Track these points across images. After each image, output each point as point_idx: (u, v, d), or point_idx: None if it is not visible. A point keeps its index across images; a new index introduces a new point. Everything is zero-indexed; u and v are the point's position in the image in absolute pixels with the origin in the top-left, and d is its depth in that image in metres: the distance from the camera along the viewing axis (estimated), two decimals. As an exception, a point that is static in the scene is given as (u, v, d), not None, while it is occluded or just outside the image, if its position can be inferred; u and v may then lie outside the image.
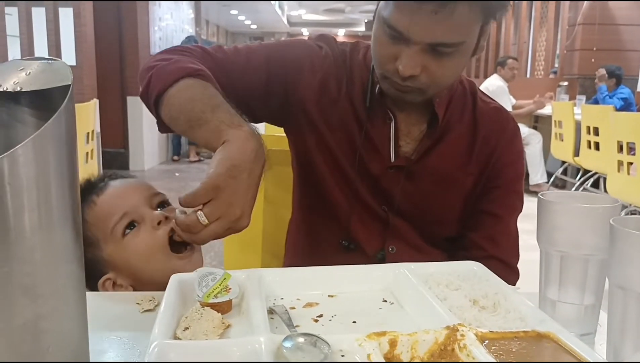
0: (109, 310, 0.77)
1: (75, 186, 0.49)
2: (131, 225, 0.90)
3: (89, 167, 3.08)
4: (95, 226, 0.91)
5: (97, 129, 3.33)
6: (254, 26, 17.70)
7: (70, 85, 0.49)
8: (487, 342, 0.59)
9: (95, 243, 0.91)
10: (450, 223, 1.08)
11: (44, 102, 0.50)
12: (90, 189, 0.95)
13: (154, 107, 0.89)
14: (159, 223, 0.89)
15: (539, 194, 0.69)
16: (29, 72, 0.49)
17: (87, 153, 3.07)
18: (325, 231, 1.08)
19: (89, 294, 0.71)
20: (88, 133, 3.06)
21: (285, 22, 15.89)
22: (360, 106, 1.04)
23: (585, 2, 6.35)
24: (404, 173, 1.03)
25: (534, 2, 7.72)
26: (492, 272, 0.77)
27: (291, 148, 1.11)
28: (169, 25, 7.52)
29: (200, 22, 9.68)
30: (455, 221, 1.08)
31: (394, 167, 1.03)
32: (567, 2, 6.72)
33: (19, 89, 0.48)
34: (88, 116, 3.07)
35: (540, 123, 5.93)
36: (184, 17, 8.34)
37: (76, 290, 0.49)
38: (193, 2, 8.71)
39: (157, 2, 6.92)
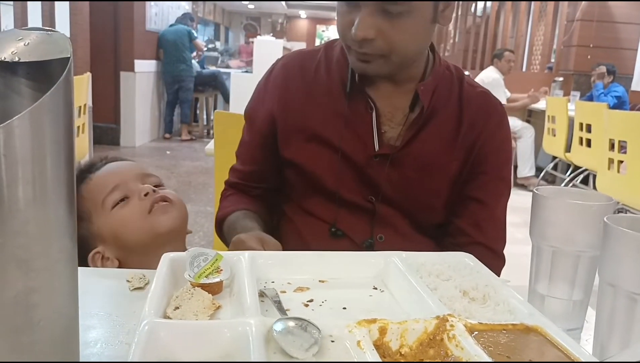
0: (100, 286, 0.77)
1: (71, 161, 0.48)
2: (122, 200, 0.95)
3: (79, 141, 3.05)
4: (88, 200, 0.95)
5: (89, 103, 3.29)
6: (251, 6, 17.49)
7: (69, 57, 0.48)
8: (475, 333, 0.59)
9: (87, 217, 0.93)
10: (437, 210, 1.08)
11: (42, 73, 0.49)
12: (89, 168, 1.01)
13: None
14: (145, 194, 0.95)
15: (533, 189, 0.69)
16: (28, 43, 0.48)
17: (79, 127, 3.04)
18: (314, 220, 1.08)
19: (80, 270, 0.71)
20: (80, 107, 3.03)
21: (283, 3, 15.72)
22: (340, 98, 1.04)
23: (585, -2, 6.34)
24: (389, 160, 1.03)
25: (533, -4, 7.71)
26: (483, 264, 0.77)
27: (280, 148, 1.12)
28: (166, 1, 7.42)
29: (197, -1, 9.57)
30: (441, 207, 1.08)
31: (379, 156, 1.03)
32: (567, -2, 6.71)
33: (17, 59, 0.47)
34: (80, 89, 3.03)
35: (533, 117, 5.95)
36: (181, -7, 8.23)
37: (68, 265, 0.49)
38: (191, -21, 8.59)
39: (154, -24, 6.81)
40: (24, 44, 0.48)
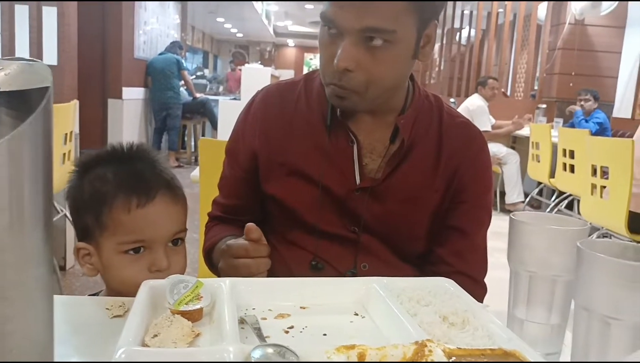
0: (78, 314, 0.76)
1: (49, 189, 0.49)
2: (137, 249, 0.89)
3: (65, 168, 3.02)
4: (114, 218, 0.88)
5: (76, 130, 3.29)
6: (239, 35, 17.71)
7: (49, 87, 0.49)
8: (454, 358, 0.59)
9: (100, 218, 0.89)
10: (419, 240, 1.08)
11: (23, 103, 0.49)
12: (141, 176, 0.91)
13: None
14: (157, 270, 0.89)
15: (510, 215, 0.70)
16: (8, 73, 0.48)
17: (65, 154, 3.02)
18: (298, 250, 1.08)
19: (58, 298, 0.71)
20: (66, 134, 3.02)
21: (272, 32, 15.92)
22: (321, 131, 1.05)
23: (566, 26, 6.50)
24: (370, 193, 1.03)
25: (516, 26, 7.88)
26: (462, 289, 0.78)
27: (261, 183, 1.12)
28: (154, 29, 7.49)
29: (185, 28, 9.66)
30: (424, 237, 1.08)
31: (360, 189, 1.03)
32: (548, 27, 6.87)
33: (-4, 88, 0.48)
34: (67, 116, 3.03)
35: (518, 144, 6.03)
36: (170, 22, 8.31)
37: (44, 293, 0.49)
38: (179, 8, 8.69)
39: (143, 4, 6.89)
40: (5, 74, 0.49)
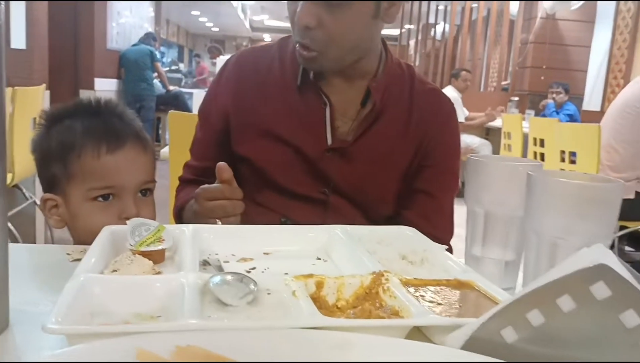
0: (37, 259, 0.75)
1: (1, 105, 0.48)
2: (105, 196, 0.89)
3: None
4: (83, 165, 0.88)
5: (46, 116, 3.23)
6: (215, 29, 17.58)
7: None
8: (409, 286, 0.61)
9: (68, 166, 0.88)
10: (387, 202, 1.10)
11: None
12: (110, 125, 0.91)
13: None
14: (126, 217, 0.87)
15: (468, 156, 0.72)
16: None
17: (32, 144, 2.97)
18: (266, 215, 1.08)
19: (16, 246, 0.70)
20: (34, 118, 2.97)
21: (248, 26, 15.84)
22: (294, 93, 1.06)
23: (537, 20, 6.61)
24: (341, 155, 1.05)
25: (489, 21, 7.99)
26: (423, 235, 0.79)
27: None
28: (128, 21, 7.39)
29: (160, 21, 9.55)
30: (392, 200, 1.10)
31: (331, 150, 1.05)
32: (521, 22, 6.97)
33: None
34: (36, 100, 2.98)
35: (491, 135, 6.11)
36: (144, 15, 8.21)
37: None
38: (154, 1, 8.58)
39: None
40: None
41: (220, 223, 0.88)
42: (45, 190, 0.92)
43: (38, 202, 3.29)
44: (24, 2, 3.55)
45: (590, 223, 0.54)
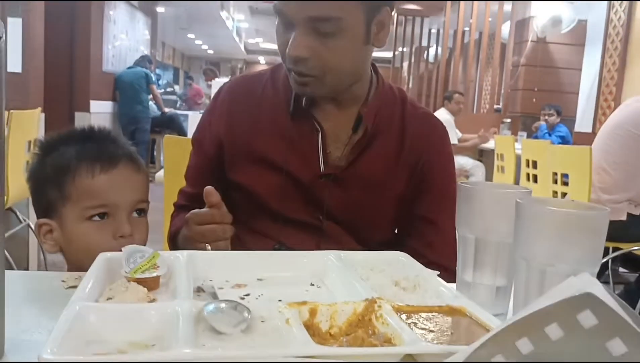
0: (31, 286, 0.75)
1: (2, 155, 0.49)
2: (101, 214, 0.90)
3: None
4: (77, 185, 0.90)
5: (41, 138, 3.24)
6: (210, 51, 17.72)
7: (1, 37, 0.50)
8: (402, 313, 0.61)
9: (63, 189, 0.90)
10: (383, 228, 1.10)
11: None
12: (104, 148, 0.93)
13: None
14: (120, 236, 0.90)
15: (458, 182, 0.73)
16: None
17: (28, 161, 2.97)
18: (260, 241, 1.08)
19: (11, 273, 0.70)
20: (30, 141, 2.97)
21: (243, 48, 15.98)
22: (286, 120, 1.07)
23: (528, 44, 6.71)
24: (334, 180, 1.05)
25: (481, 44, 8.11)
26: (416, 261, 0.80)
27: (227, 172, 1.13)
28: (124, 44, 7.45)
29: (155, 43, 9.63)
30: (388, 225, 1.10)
31: (324, 176, 1.06)
32: (512, 45, 7.08)
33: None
34: (31, 123, 2.99)
35: (484, 157, 6.15)
36: (140, 37, 8.28)
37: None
38: (150, 23, 8.66)
39: (112, 18, 6.85)
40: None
41: (210, 247, 0.89)
42: (39, 217, 0.93)
43: (32, 225, 3.28)
44: (20, 26, 3.58)
45: (577, 250, 0.55)
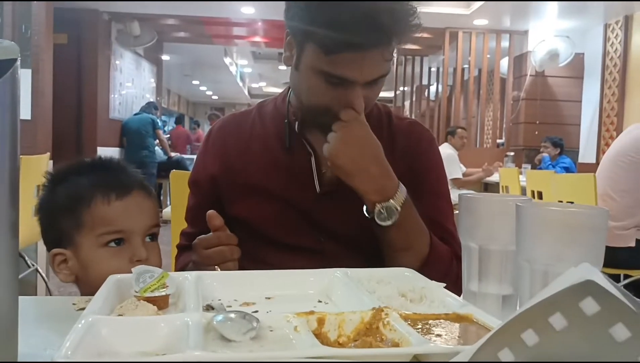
0: (43, 310, 0.76)
1: (15, 156, 0.51)
2: (117, 240, 0.93)
3: (36, 220, 3.00)
4: (93, 213, 0.92)
5: (49, 183, 3.28)
6: (215, 97, 18.03)
7: (16, 59, 0.52)
8: (409, 321, 0.62)
9: (78, 217, 0.92)
10: None
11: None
12: (117, 177, 0.97)
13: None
14: (137, 260, 0.92)
15: (458, 193, 0.74)
16: (-21, 48, 0.52)
17: (36, 206, 3.00)
18: (264, 268, 1.08)
19: (22, 299, 0.71)
20: (38, 186, 3.01)
21: (247, 93, 16.25)
22: (278, 150, 1.11)
23: (527, 78, 6.81)
24: (331, 199, 1.08)
25: (480, 80, 8.22)
26: (422, 275, 0.80)
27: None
28: (130, 92, 7.61)
29: (161, 91, 9.82)
30: None
31: (321, 196, 1.09)
32: (511, 79, 7.18)
33: (-33, 60, 0.51)
34: (40, 168, 3.03)
35: (489, 190, 6.15)
36: (145, 85, 8.46)
37: (8, 256, 0.50)
38: (155, 71, 8.86)
39: (118, 67, 7.02)
40: (-25, 49, 0.52)
41: (219, 269, 0.90)
42: (50, 249, 0.95)
43: (40, 270, 3.29)
44: (29, 75, 3.68)
45: (578, 249, 0.56)
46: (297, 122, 1.10)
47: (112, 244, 0.92)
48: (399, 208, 0.97)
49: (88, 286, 0.93)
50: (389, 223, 0.97)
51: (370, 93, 1.00)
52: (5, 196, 0.50)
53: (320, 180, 1.09)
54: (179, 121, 10.33)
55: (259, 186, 1.10)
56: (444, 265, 1.04)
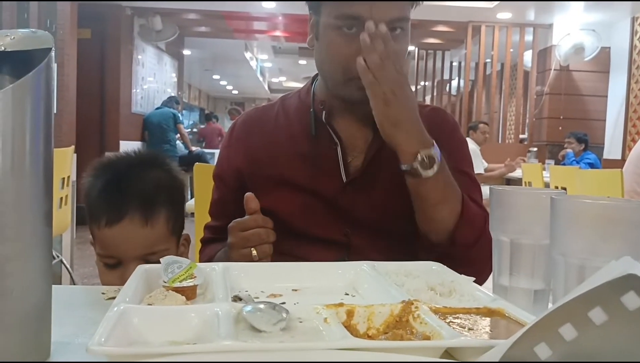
0: (72, 299, 0.77)
1: (50, 141, 0.52)
2: (112, 262, 0.98)
3: (61, 213, 3.06)
4: (91, 227, 0.98)
5: (73, 177, 3.33)
6: (235, 91, 18.10)
7: (51, 48, 0.53)
8: (440, 314, 0.61)
9: (96, 228, 0.98)
10: (410, 232, 1.08)
11: (28, 65, 0.53)
12: (112, 199, 0.98)
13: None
14: None
15: (489, 187, 0.73)
16: (14, 37, 0.53)
17: (62, 198, 3.05)
18: (288, 260, 1.09)
19: (53, 287, 0.72)
20: (64, 178, 3.06)
21: (267, 88, 16.29)
22: (303, 140, 1.11)
23: (552, 72, 6.70)
24: (357, 187, 1.07)
25: (503, 75, 8.12)
26: (449, 269, 0.80)
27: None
28: (152, 87, 7.68)
29: (182, 85, 9.89)
30: (413, 227, 1.09)
31: (348, 184, 1.08)
32: (535, 74, 7.07)
33: (2, 49, 0.52)
34: (64, 161, 3.08)
35: (511, 186, 6.09)
36: (167, 80, 8.52)
37: (43, 239, 0.51)
38: (176, 66, 8.93)
39: (140, 62, 7.08)
40: (11, 39, 0.53)
41: (255, 251, 0.90)
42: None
43: (64, 261, 3.34)
44: (55, 69, 3.75)
45: (615, 243, 0.54)
46: (323, 112, 1.10)
47: (109, 262, 0.97)
48: (439, 156, 0.96)
49: None
50: (430, 172, 0.96)
51: (393, 44, 0.96)
52: (41, 185, 0.50)
53: (346, 169, 1.08)
54: (209, 118, 10.40)
55: (285, 177, 1.09)
56: (478, 224, 1.02)
